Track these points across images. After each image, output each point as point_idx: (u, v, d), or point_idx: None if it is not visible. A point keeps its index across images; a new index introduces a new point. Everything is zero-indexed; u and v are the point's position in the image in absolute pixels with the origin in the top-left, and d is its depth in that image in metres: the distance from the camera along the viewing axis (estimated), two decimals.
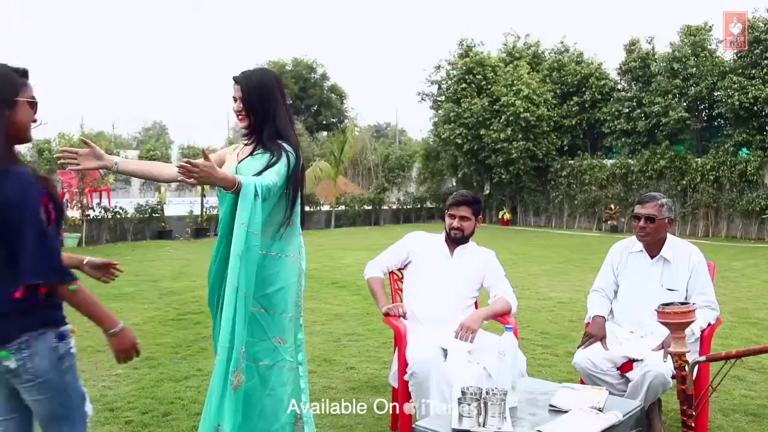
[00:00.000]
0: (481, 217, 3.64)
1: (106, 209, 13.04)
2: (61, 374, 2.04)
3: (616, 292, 3.56)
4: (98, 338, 5.31)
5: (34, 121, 2.06)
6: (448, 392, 2.91)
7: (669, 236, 3.46)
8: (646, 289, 3.38)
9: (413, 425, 2.40)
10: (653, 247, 3.43)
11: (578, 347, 3.34)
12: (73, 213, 12.60)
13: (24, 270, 1.91)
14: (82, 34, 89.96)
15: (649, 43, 17.33)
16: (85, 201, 12.61)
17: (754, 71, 14.49)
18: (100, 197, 14.22)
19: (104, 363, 4.63)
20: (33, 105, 2.03)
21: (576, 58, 18.75)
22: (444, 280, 3.46)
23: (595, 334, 3.32)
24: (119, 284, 8.13)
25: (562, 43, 19.87)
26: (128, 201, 16.55)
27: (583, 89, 18.00)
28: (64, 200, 13.21)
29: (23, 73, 2.04)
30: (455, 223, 3.50)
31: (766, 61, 14.31)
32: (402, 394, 3.19)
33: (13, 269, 1.93)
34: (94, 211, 12.90)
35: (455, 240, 3.52)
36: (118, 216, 13.19)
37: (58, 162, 3.63)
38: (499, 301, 3.44)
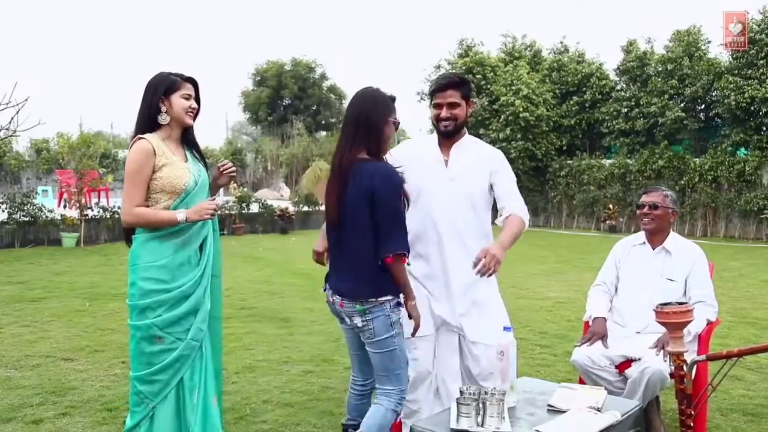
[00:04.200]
0: (474, 101, 3.18)
1: (104, 209, 13.00)
2: (392, 339, 2.57)
3: (617, 288, 3.58)
4: (96, 339, 5.32)
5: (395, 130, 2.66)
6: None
7: (672, 233, 3.51)
8: (646, 277, 3.42)
9: (411, 425, 2.41)
10: (656, 239, 3.47)
11: (577, 344, 3.35)
12: (71, 212, 12.57)
13: (386, 244, 2.46)
14: (80, 34, 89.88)
15: (648, 42, 17.33)
16: (83, 200, 12.58)
17: (750, 71, 14.49)
18: (99, 197, 14.20)
19: (102, 363, 4.63)
20: (396, 125, 2.63)
21: (577, 58, 18.73)
22: (442, 195, 2.95)
23: (597, 332, 3.33)
24: (118, 284, 8.13)
25: (561, 43, 19.85)
26: None
27: (584, 89, 17.99)
28: (63, 199, 13.20)
29: (392, 99, 2.64)
30: (444, 112, 2.95)
31: (762, 61, 14.32)
32: None
33: (377, 242, 2.48)
34: (92, 210, 12.87)
35: (447, 134, 2.99)
36: (117, 216, 13.13)
37: None
38: (512, 222, 2.93)
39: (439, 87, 2.95)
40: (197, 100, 2.82)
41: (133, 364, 2.75)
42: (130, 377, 2.76)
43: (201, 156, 2.92)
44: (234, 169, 2.97)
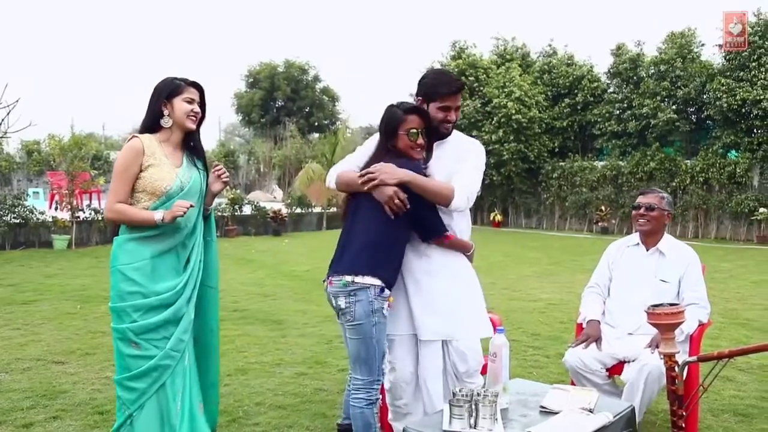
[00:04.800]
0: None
1: (96, 211, 12.93)
2: (369, 326, 2.63)
3: (609, 289, 3.59)
4: (87, 341, 5.29)
5: (419, 146, 2.75)
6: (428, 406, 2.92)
7: (666, 234, 3.52)
8: (639, 278, 3.44)
9: (403, 427, 2.41)
10: (650, 240, 3.49)
11: (570, 345, 3.36)
12: (62, 214, 12.50)
13: (429, 232, 2.78)
14: (72, 35, 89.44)
15: (638, 46, 17.41)
16: (74, 202, 12.51)
17: (741, 73, 14.59)
18: (90, 199, 14.13)
19: (94, 366, 4.60)
20: (410, 135, 2.71)
21: (567, 61, 18.81)
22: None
23: (592, 335, 3.34)
24: (109, 287, 8.07)
25: (550, 45, 19.93)
26: None
27: (575, 91, 18.07)
28: (54, 201, 13.13)
29: (405, 109, 2.73)
30: (452, 115, 2.88)
31: (753, 64, 14.42)
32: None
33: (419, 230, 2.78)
34: (83, 212, 12.80)
35: (445, 136, 2.93)
36: None
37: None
38: (442, 183, 2.78)
39: (453, 91, 2.86)
40: (202, 105, 2.84)
41: (116, 367, 2.77)
42: (114, 380, 2.78)
43: (204, 164, 2.92)
44: (227, 174, 2.97)
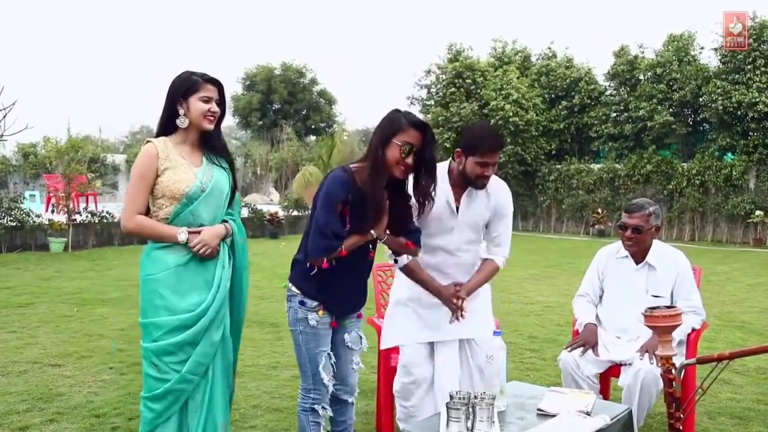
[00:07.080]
0: None
1: (92, 213, 12.90)
2: (296, 333, 2.69)
3: (601, 297, 3.57)
4: (84, 344, 5.28)
5: (405, 165, 2.49)
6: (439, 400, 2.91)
7: (655, 242, 3.46)
8: (631, 295, 3.38)
9: (400, 429, 2.41)
10: (639, 254, 3.43)
11: (566, 348, 3.36)
12: (59, 217, 12.48)
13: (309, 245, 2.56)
14: (68, 37, 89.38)
15: (640, 47, 17.46)
16: (71, 205, 12.48)
17: (737, 76, 14.64)
18: (87, 201, 14.10)
19: (90, 369, 4.59)
20: (403, 150, 2.47)
21: (566, 63, 18.84)
22: (449, 236, 2.95)
23: (589, 340, 3.33)
24: (106, 289, 8.07)
25: (549, 48, 19.96)
26: (115, 205, 16.41)
27: (573, 93, 18.09)
28: (51, 204, 13.10)
29: (411, 121, 2.49)
30: (489, 171, 2.86)
31: (749, 66, 14.47)
32: (385, 396, 3.19)
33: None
34: (80, 215, 12.77)
35: (480, 187, 2.94)
36: (105, 221, 13.04)
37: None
38: (486, 268, 3.03)
39: (493, 148, 2.82)
40: (221, 103, 2.63)
41: (143, 383, 2.66)
42: (140, 396, 2.68)
43: (229, 163, 2.73)
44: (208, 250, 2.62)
